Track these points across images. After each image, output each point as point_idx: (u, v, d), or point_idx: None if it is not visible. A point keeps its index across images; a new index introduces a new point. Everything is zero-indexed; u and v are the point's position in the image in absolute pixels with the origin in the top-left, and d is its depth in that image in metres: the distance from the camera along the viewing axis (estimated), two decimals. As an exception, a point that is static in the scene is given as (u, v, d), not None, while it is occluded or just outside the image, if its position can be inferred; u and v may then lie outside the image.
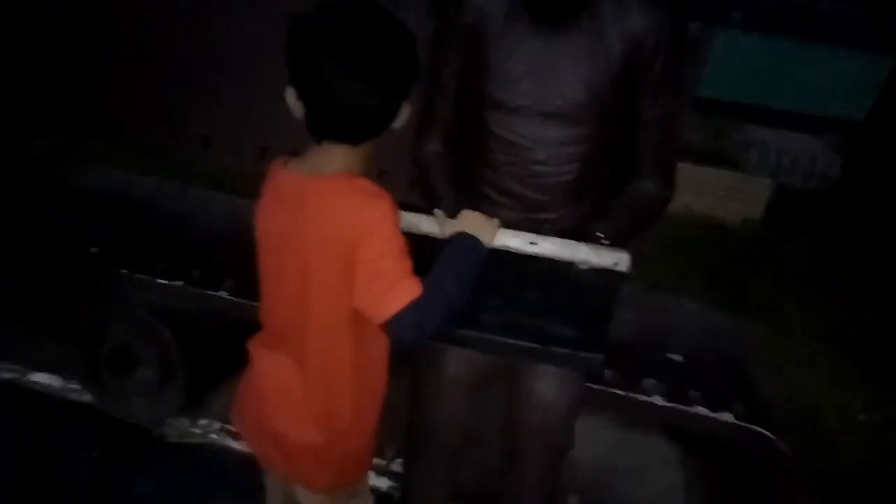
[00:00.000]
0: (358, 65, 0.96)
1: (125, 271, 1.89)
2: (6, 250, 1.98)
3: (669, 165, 1.55)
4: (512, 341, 1.31)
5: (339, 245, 1.00)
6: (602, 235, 1.44)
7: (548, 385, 1.44)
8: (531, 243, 1.22)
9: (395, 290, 1.00)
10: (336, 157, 1.03)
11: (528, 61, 1.40)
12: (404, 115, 1.05)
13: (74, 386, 2.13)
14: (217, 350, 1.94)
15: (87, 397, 2.11)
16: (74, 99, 2.34)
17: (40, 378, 2.17)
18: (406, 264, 1.03)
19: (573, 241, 1.25)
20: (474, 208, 1.43)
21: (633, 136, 1.48)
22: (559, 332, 1.29)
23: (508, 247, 1.22)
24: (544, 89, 1.41)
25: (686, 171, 3.35)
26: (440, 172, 1.60)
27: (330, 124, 1.01)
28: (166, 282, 1.87)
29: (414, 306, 1.00)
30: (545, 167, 1.45)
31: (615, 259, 1.21)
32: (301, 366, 1.11)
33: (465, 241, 1.14)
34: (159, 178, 2.48)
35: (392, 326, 1.01)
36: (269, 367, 1.15)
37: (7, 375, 2.17)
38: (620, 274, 1.21)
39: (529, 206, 1.47)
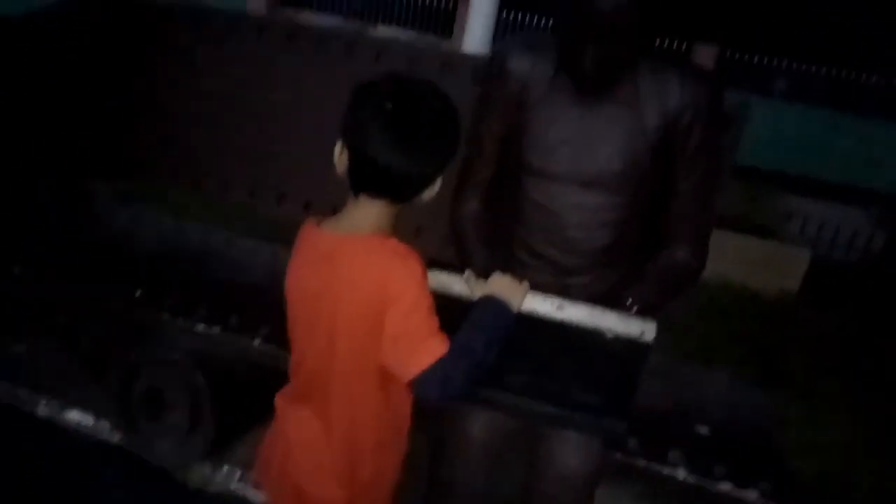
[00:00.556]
0: (404, 136, 1.04)
1: (167, 315, 1.96)
2: (54, 288, 2.07)
3: (703, 236, 1.57)
4: (536, 405, 1.32)
5: (369, 305, 1.05)
6: (631, 302, 1.46)
7: (569, 452, 1.43)
8: (558, 308, 1.24)
9: (422, 349, 1.04)
10: (370, 215, 1.09)
11: (568, 130, 1.46)
12: (436, 187, 1.12)
13: (106, 425, 2.18)
14: (246, 399, 1.98)
15: (117, 438, 2.16)
16: (131, 145, 2.48)
17: (74, 416, 2.23)
18: (434, 323, 1.07)
19: (600, 308, 1.26)
20: (506, 269, 1.48)
21: (667, 205, 1.51)
22: (583, 399, 1.30)
23: (536, 311, 1.24)
24: (582, 158, 1.45)
25: (724, 239, 3.34)
26: (476, 233, 1.65)
27: (368, 182, 1.08)
28: (205, 327, 1.94)
29: (440, 365, 1.03)
30: (579, 233, 1.48)
31: (642, 328, 1.23)
32: (325, 422, 1.14)
33: (494, 304, 1.17)
34: (207, 225, 2.59)
35: (418, 384, 1.04)
36: (294, 422, 1.19)
37: (44, 412, 2.25)
38: (646, 344, 1.22)
39: (561, 270, 1.50)
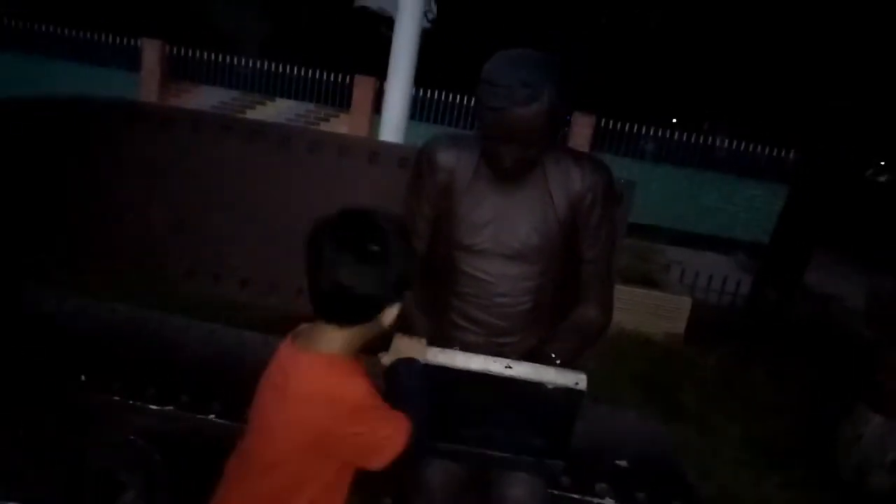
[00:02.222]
0: (350, 260, 1.19)
1: (117, 398, 2.01)
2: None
3: (608, 295, 1.87)
4: (488, 452, 1.54)
5: (310, 421, 1.19)
6: (554, 356, 1.72)
7: (520, 491, 1.62)
8: (507, 367, 1.46)
9: (395, 441, 1.23)
10: (327, 336, 1.24)
11: (490, 212, 1.73)
12: (391, 315, 1.27)
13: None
14: (201, 474, 2.03)
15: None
16: (56, 227, 2.50)
17: (16, 509, 2.17)
18: (388, 422, 1.23)
19: (542, 365, 1.49)
20: (444, 333, 1.71)
21: (577, 272, 1.80)
22: (528, 444, 1.52)
23: (488, 370, 1.46)
24: (503, 235, 1.73)
25: (617, 291, 3.73)
26: (411, 302, 1.86)
27: (320, 304, 1.23)
28: (157, 407, 2.00)
29: (403, 451, 1.23)
30: (505, 298, 1.74)
31: (576, 379, 1.46)
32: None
33: (404, 367, 1.39)
34: (137, 306, 2.62)
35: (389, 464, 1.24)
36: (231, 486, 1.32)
37: (-19, 508, 2.17)
38: (581, 391, 1.46)
39: (493, 331, 1.75)
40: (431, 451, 1.58)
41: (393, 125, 3.09)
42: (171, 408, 1.99)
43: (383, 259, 1.21)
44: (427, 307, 1.85)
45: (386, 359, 1.43)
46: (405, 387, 1.35)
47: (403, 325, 1.83)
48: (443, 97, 11.98)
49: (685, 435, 3.14)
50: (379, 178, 2.26)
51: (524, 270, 1.74)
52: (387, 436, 1.23)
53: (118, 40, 11.90)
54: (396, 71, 3.05)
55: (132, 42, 11.85)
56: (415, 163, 1.87)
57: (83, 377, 2.07)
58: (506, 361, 1.48)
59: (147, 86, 11.76)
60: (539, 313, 1.77)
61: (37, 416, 2.16)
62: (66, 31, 11.86)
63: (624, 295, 4.37)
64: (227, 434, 1.91)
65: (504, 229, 1.73)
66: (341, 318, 1.23)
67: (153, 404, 2.00)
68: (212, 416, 1.97)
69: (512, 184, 1.73)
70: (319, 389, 1.20)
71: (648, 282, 4.99)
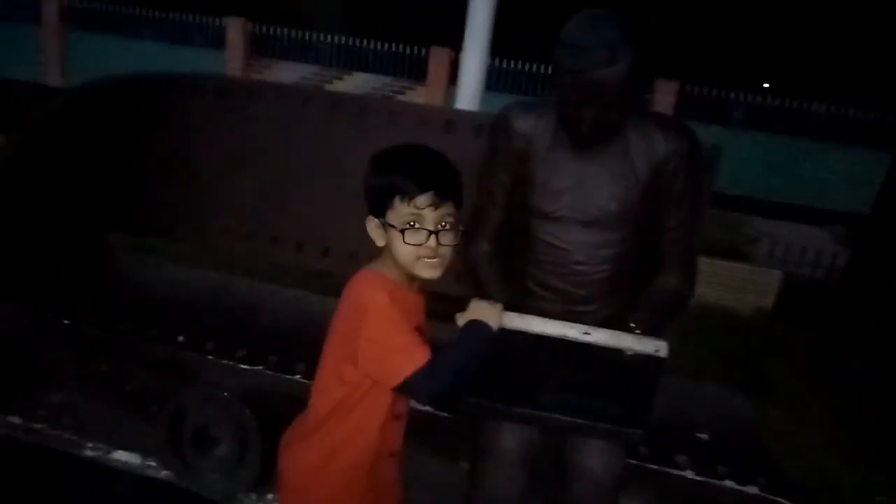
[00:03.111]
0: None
1: (211, 357, 2.13)
2: (96, 336, 2.23)
3: (691, 265, 1.81)
4: (565, 418, 1.53)
5: (342, 323, 1.30)
6: (633, 325, 1.68)
7: (596, 459, 1.63)
8: (585, 333, 1.45)
9: (402, 359, 1.25)
10: (378, 256, 1.33)
11: (569, 178, 1.70)
12: (379, 236, 1.30)
13: (152, 463, 2.33)
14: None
15: (163, 474, 2.30)
16: (151, 199, 2.65)
17: (121, 456, 2.37)
18: (414, 338, 1.27)
19: (621, 332, 1.47)
20: (520, 301, 1.71)
21: (659, 240, 1.75)
22: (607, 410, 1.51)
23: (566, 335, 1.46)
24: (582, 202, 1.70)
25: (700, 263, 3.61)
26: (488, 270, 1.87)
27: None
28: (248, 367, 2.11)
29: (422, 372, 1.24)
30: (584, 266, 1.71)
31: (656, 346, 1.44)
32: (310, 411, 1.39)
33: (471, 326, 1.38)
34: (227, 273, 2.77)
35: (405, 388, 1.26)
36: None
37: (91, 454, 2.38)
38: (661, 359, 1.44)
39: (570, 300, 1.73)
40: (507, 415, 1.59)
41: (469, 95, 3.07)
42: (260, 368, 2.10)
43: (367, 169, 1.29)
44: (504, 274, 1.85)
45: (460, 320, 1.43)
46: (457, 341, 1.36)
47: (480, 292, 1.85)
48: (519, 66, 11.79)
49: (773, 414, 3.02)
50: (455, 147, 2.26)
51: (603, 238, 1.71)
52: (399, 353, 1.25)
53: (203, 20, 12.33)
54: (472, 40, 3.01)
55: (216, 21, 12.26)
56: (491, 130, 1.86)
57: (180, 338, 2.21)
58: (584, 328, 1.47)
59: (231, 63, 12.17)
60: (618, 282, 1.73)
61: (139, 372, 2.33)
62: (153, 13, 12.38)
63: (708, 267, 4.22)
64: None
65: (583, 196, 1.70)
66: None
67: (244, 364, 2.12)
68: (297, 377, 2.07)
69: (591, 150, 1.69)
70: (350, 295, 1.30)
71: (735, 254, 4.80)
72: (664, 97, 11.16)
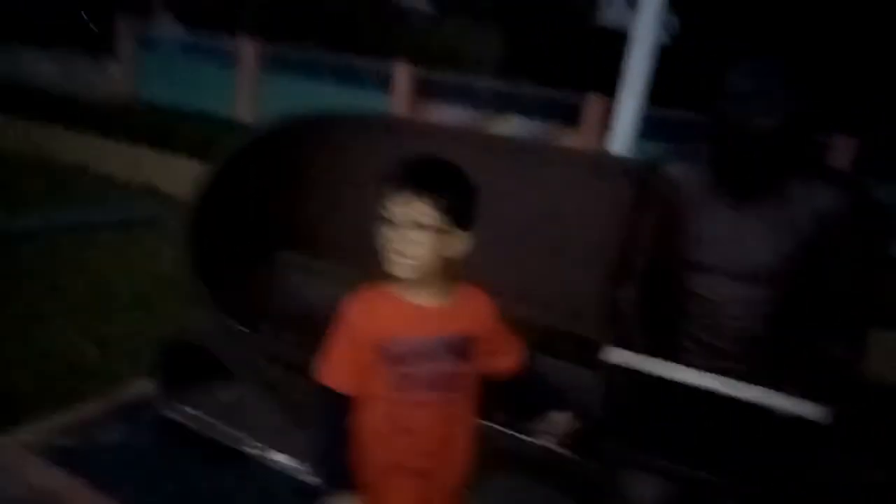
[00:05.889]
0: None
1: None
2: (274, 344, 2.50)
3: (860, 335, 1.69)
4: (707, 476, 1.49)
5: None
6: (793, 389, 1.60)
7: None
8: (735, 388, 1.41)
9: (323, 366, 1.43)
10: None
11: (722, 228, 1.68)
12: (458, 245, 1.38)
13: (306, 469, 2.54)
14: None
15: (315, 480, 2.50)
16: (320, 223, 2.92)
17: (280, 458, 2.61)
18: (345, 356, 1.41)
19: (776, 392, 1.41)
20: (667, 352, 1.69)
21: (824, 303, 1.66)
22: (754, 475, 1.44)
23: (715, 389, 1.43)
24: (735, 254, 1.66)
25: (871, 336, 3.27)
26: (632, 318, 1.87)
27: None
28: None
29: (320, 388, 1.44)
30: (735, 322, 1.67)
31: (817, 411, 1.36)
32: None
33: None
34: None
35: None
36: None
37: (253, 451, 2.65)
38: (822, 426, 1.35)
39: (718, 355, 1.68)
40: (648, 467, 1.58)
41: (622, 141, 3.10)
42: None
43: (459, 190, 1.39)
44: (648, 324, 1.85)
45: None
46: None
47: (620, 338, 1.85)
48: (674, 114, 11.46)
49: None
50: (605, 191, 2.30)
51: (758, 293, 1.66)
52: (324, 358, 1.42)
53: (373, 64, 13.33)
54: (629, 86, 3.05)
55: (385, 66, 13.20)
56: (642, 176, 1.88)
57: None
58: (734, 382, 1.43)
59: (397, 104, 12.99)
60: (771, 342, 1.67)
61: (301, 383, 2.57)
62: (331, 57, 13.59)
63: (885, 342, 3.80)
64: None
65: (737, 248, 1.67)
66: None
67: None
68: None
69: (749, 200, 1.66)
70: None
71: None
72: (840, 154, 10.28)
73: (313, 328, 2.60)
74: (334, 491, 1.35)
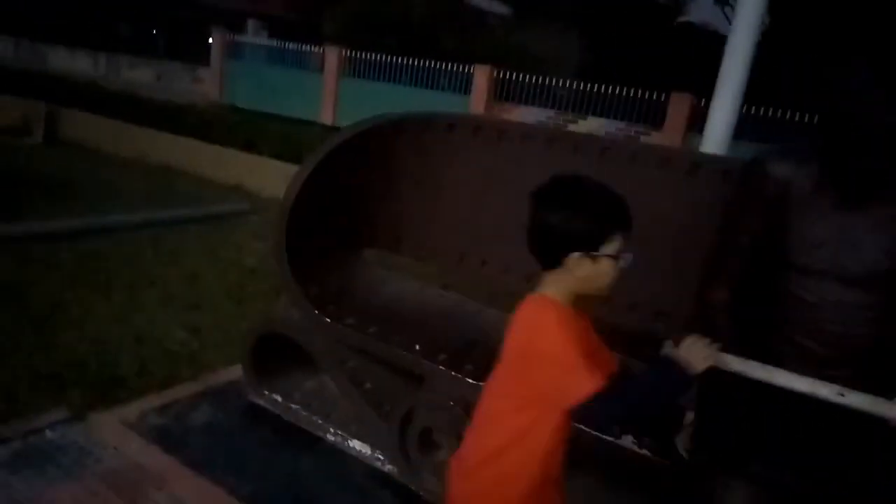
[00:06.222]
0: (540, 211, 1.36)
1: (442, 368, 2.33)
2: (348, 336, 2.56)
3: None
4: (810, 487, 1.40)
5: (514, 343, 1.36)
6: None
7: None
8: (839, 394, 1.33)
9: (583, 379, 1.27)
10: (541, 281, 1.41)
11: (831, 230, 1.58)
12: (584, 266, 1.35)
13: (380, 457, 2.59)
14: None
15: (388, 468, 2.55)
16: (402, 222, 2.98)
17: (356, 445, 2.68)
18: (589, 361, 1.29)
19: (882, 399, 1.32)
20: (760, 357, 1.61)
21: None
22: (862, 488, 1.35)
23: (816, 394, 1.35)
24: (844, 257, 1.56)
25: None
26: (725, 320, 1.79)
27: (529, 249, 1.40)
28: (473, 381, 2.27)
29: (600, 396, 1.26)
30: (839, 327, 1.56)
31: (923, 421, 1.27)
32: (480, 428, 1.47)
33: (668, 366, 1.34)
34: (462, 294, 2.99)
35: (579, 408, 1.28)
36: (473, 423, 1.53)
37: (332, 438, 2.72)
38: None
39: (819, 363, 1.58)
40: (742, 475, 1.51)
41: (716, 140, 2.98)
42: (482, 384, 2.23)
43: (557, 211, 1.35)
44: (739, 326, 1.77)
45: (665, 349, 1.40)
46: (645, 375, 1.37)
47: (707, 328, 1.77)
48: (769, 114, 10.96)
49: None
50: (700, 191, 2.22)
51: (865, 298, 1.55)
52: (576, 373, 1.28)
53: (453, 67, 13.45)
54: (725, 85, 2.94)
55: (465, 68, 13.29)
56: (743, 173, 1.80)
57: (417, 347, 2.44)
58: (838, 388, 1.34)
59: (476, 106, 13.06)
60: (878, 349, 1.56)
61: (380, 372, 2.62)
62: (411, 61, 13.81)
63: None
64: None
65: (846, 250, 1.56)
66: (538, 260, 1.40)
67: (470, 378, 2.28)
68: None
69: (861, 200, 1.56)
70: (521, 312, 1.38)
71: None
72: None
73: (395, 321, 2.67)
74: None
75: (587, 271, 1.35)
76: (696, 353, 1.36)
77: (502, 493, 1.40)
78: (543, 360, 1.32)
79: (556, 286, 1.39)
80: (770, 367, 1.42)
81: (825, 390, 1.35)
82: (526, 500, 1.40)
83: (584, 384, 1.27)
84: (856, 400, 1.32)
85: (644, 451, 2.01)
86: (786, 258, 1.63)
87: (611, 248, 1.35)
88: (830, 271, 1.57)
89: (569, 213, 1.34)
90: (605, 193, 1.38)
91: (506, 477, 1.39)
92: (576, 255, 1.35)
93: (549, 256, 1.38)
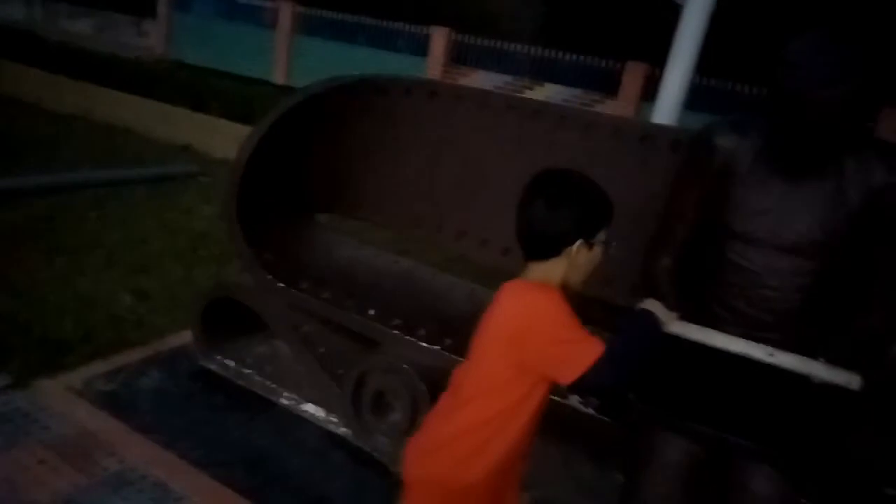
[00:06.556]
0: (536, 205, 1.40)
1: (396, 332, 2.36)
2: (301, 300, 2.55)
3: None
4: (735, 439, 1.50)
5: (504, 327, 1.38)
6: (822, 360, 1.59)
7: (763, 485, 1.56)
8: (770, 354, 1.42)
9: (585, 349, 1.32)
10: (530, 270, 1.43)
11: (770, 200, 1.64)
12: (582, 254, 1.40)
13: (334, 419, 2.62)
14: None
15: (342, 430, 2.58)
16: (357, 186, 2.96)
17: (309, 408, 2.69)
18: (582, 331, 1.35)
19: (809, 359, 1.41)
20: (701, 321, 1.69)
21: (865, 277, 1.63)
22: (783, 439, 1.46)
23: (748, 354, 1.43)
24: (781, 226, 1.63)
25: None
26: (668, 286, 1.86)
27: (520, 243, 1.44)
28: (426, 345, 2.30)
29: (602, 360, 1.31)
30: (774, 293, 1.65)
31: (848, 379, 1.36)
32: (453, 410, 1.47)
33: (642, 315, 1.46)
34: (415, 261, 3.00)
35: (583, 379, 1.32)
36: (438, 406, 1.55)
37: (285, 402, 2.73)
38: (852, 393, 1.36)
39: (753, 325, 1.67)
40: (678, 428, 1.59)
41: (667, 110, 3.04)
42: (437, 348, 2.28)
43: (563, 204, 1.39)
44: (685, 292, 1.84)
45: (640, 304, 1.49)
46: (626, 328, 1.43)
47: (651, 294, 1.83)
48: (720, 84, 11.16)
49: None
50: (650, 160, 2.27)
51: (799, 265, 1.63)
52: (578, 344, 1.33)
53: (410, 28, 13.20)
54: (679, 55, 2.98)
55: (422, 30, 13.05)
56: (690, 144, 1.85)
57: (371, 312, 2.46)
58: (768, 349, 1.43)
59: (432, 69, 12.87)
60: (808, 314, 1.65)
61: (333, 337, 2.63)
62: (367, 21, 13.48)
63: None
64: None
65: (783, 219, 1.64)
66: (534, 253, 1.42)
67: (423, 342, 2.31)
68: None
69: (800, 172, 1.62)
70: (517, 297, 1.41)
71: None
72: (891, 125, 9.93)
73: (348, 286, 2.67)
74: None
75: (584, 258, 1.41)
76: (659, 310, 1.49)
77: (475, 463, 1.43)
78: (548, 341, 1.36)
79: (549, 273, 1.43)
80: (708, 330, 1.49)
81: (757, 351, 1.43)
82: (498, 472, 1.44)
83: (585, 354, 1.32)
84: (784, 360, 1.40)
85: (589, 410, 2.08)
86: (727, 226, 1.69)
87: (601, 236, 1.43)
88: (768, 240, 1.65)
89: (575, 206, 1.40)
90: (596, 186, 1.44)
91: (483, 450, 1.42)
92: (577, 244, 1.40)
93: (551, 249, 1.41)
